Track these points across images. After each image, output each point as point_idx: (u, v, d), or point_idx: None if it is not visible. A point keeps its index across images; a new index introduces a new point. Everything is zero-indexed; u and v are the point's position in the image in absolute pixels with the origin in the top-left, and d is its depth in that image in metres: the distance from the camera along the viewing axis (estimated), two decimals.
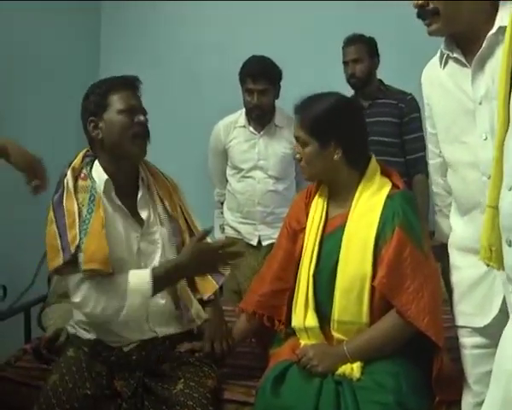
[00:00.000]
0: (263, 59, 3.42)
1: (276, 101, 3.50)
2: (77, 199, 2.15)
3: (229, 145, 3.57)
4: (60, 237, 2.10)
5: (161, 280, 2.15)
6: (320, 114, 2.17)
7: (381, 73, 3.61)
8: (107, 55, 4.69)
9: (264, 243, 3.53)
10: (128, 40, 4.65)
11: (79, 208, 2.13)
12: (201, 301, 2.42)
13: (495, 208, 1.37)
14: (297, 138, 2.22)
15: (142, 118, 2.23)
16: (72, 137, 3.54)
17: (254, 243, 3.56)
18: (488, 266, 1.53)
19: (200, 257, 2.16)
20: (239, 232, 3.60)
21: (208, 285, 2.38)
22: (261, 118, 3.46)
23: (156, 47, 4.61)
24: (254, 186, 3.51)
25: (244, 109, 3.53)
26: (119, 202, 2.24)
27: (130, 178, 2.31)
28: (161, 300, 2.27)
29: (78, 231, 2.09)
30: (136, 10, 4.61)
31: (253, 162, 3.51)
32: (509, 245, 1.31)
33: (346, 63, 3.54)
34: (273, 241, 3.32)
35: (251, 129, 3.52)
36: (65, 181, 2.19)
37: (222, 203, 3.76)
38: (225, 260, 2.21)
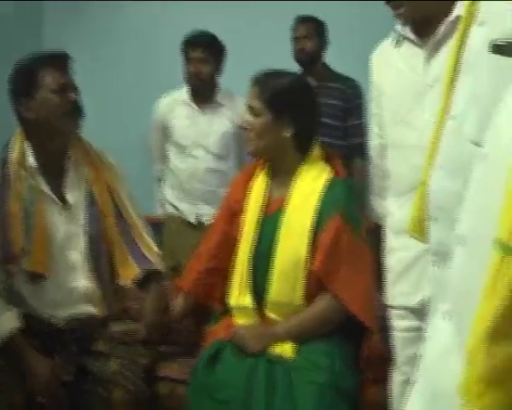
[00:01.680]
0: (204, 31, 3.43)
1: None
2: (21, 194, 2.12)
3: (170, 121, 3.54)
4: None
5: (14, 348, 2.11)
6: (280, 88, 2.18)
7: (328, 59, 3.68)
8: (52, 30, 4.58)
9: (204, 222, 3.50)
10: (74, 13, 4.57)
11: (22, 204, 2.11)
12: (141, 283, 2.39)
13: (426, 185, 1.42)
14: (250, 108, 2.20)
15: (73, 96, 2.20)
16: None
17: (194, 221, 3.54)
18: (415, 238, 1.59)
19: None
20: (179, 210, 3.59)
21: (129, 271, 2.33)
22: (201, 89, 3.44)
23: (106, 22, 4.55)
24: (195, 164, 3.49)
25: (187, 86, 3.50)
26: (45, 187, 2.20)
27: (60, 157, 2.26)
28: (87, 283, 2.25)
29: (22, 231, 2.09)
30: None
31: (195, 139, 3.49)
32: (435, 221, 1.36)
33: (296, 39, 3.58)
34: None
35: (193, 106, 3.50)
36: (7, 171, 2.15)
37: (161, 180, 3.73)
38: None
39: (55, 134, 2.20)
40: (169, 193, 3.64)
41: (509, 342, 0.86)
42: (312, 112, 2.28)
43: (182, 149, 3.52)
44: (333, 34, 3.65)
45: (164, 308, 2.36)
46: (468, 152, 1.16)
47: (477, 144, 1.12)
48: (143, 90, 4.26)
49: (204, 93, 3.46)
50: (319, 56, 3.61)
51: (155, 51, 4.41)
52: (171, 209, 3.63)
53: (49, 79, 2.16)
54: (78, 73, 2.31)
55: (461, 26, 1.37)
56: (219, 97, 3.49)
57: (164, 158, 3.65)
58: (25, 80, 2.17)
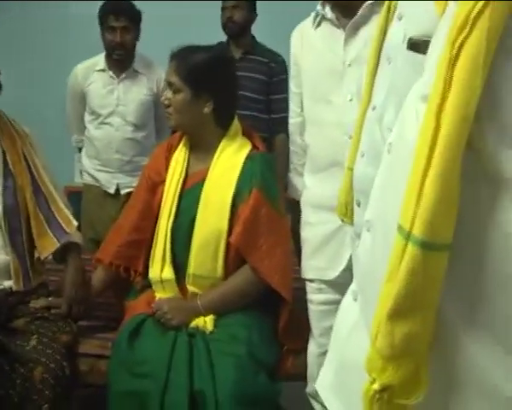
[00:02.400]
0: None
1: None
2: None
3: (87, 89, 3.45)
4: None
5: None
6: (198, 64, 2.17)
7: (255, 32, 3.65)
8: None
9: (123, 192, 3.48)
10: None
11: None
12: (59, 256, 2.37)
13: (352, 170, 1.47)
14: (169, 84, 2.20)
15: None
16: None
17: (112, 191, 3.50)
18: (343, 221, 1.65)
19: None
20: (97, 180, 3.53)
21: (47, 243, 2.30)
22: (122, 58, 3.37)
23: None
24: (112, 133, 3.43)
25: (104, 53, 3.42)
26: None
27: None
28: (5, 256, 2.23)
29: None
30: None
31: (112, 108, 3.42)
32: (358, 205, 1.42)
33: (224, 8, 3.54)
34: (131, 189, 3.28)
35: (110, 73, 3.42)
36: None
37: (80, 149, 3.66)
38: None
39: None
40: (87, 163, 3.56)
41: (406, 323, 0.92)
42: (232, 87, 2.29)
43: (98, 117, 3.45)
44: (263, 8, 3.63)
45: (83, 282, 2.33)
46: (387, 140, 1.21)
47: None
48: (60, 56, 4.15)
49: (123, 61, 3.40)
50: (247, 28, 3.58)
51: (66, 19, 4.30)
52: (89, 179, 3.57)
53: None
54: None
55: (381, 19, 1.41)
56: (136, 65, 3.44)
57: (82, 127, 3.57)
58: None
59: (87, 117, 3.51)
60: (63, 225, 2.31)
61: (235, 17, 3.51)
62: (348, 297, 1.23)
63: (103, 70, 3.44)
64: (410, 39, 1.14)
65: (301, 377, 2.22)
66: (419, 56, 1.13)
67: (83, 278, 2.33)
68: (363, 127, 1.44)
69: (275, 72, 3.48)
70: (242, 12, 3.52)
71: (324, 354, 2.08)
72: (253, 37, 3.62)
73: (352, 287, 1.20)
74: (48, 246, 2.30)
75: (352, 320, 1.18)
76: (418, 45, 1.11)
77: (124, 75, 3.42)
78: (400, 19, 1.27)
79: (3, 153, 2.25)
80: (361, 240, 1.15)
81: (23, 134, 2.34)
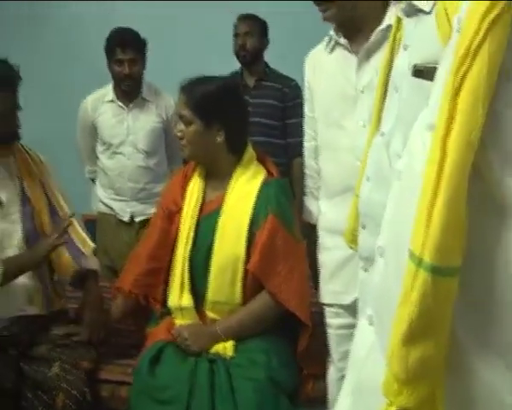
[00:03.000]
0: (129, 29, 3.38)
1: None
2: None
3: (97, 121, 3.48)
4: None
5: (12, 273, 2.18)
6: (207, 95, 2.20)
7: (267, 58, 3.69)
8: None
9: (137, 219, 3.51)
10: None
11: None
12: (78, 283, 2.42)
13: (358, 197, 1.50)
14: (181, 117, 2.24)
15: (14, 125, 2.23)
16: None
17: (126, 219, 3.52)
18: (351, 248, 1.67)
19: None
20: (111, 208, 3.56)
21: (65, 264, 2.35)
22: (131, 89, 3.40)
23: (32, 20, 4.47)
24: (124, 162, 3.46)
25: (112, 84, 3.46)
26: None
27: None
28: (27, 280, 2.27)
29: None
30: None
31: (123, 137, 3.45)
32: (363, 228, 1.45)
33: (237, 35, 3.58)
34: (145, 217, 3.39)
35: (119, 103, 3.45)
36: None
37: (93, 180, 3.70)
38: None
39: None
40: (101, 192, 3.60)
41: (420, 347, 0.94)
42: (242, 115, 2.33)
43: (110, 147, 3.48)
44: (274, 34, 3.67)
45: (102, 308, 2.38)
46: (394, 166, 1.24)
47: None
48: (73, 86, 4.19)
49: (131, 91, 3.43)
50: (260, 55, 3.62)
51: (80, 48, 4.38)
52: (103, 208, 3.60)
53: None
54: None
55: (387, 49, 1.45)
56: (144, 93, 3.47)
57: (94, 158, 3.60)
58: None
59: (99, 148, 3.54)
60: (80, 246, 2.37)
61: (248, 45, 3.55)
62: (363, 322, 1.25)
63: (112, 101, 3.46)
64: (414, 66, 1.17)
65: (322, 401, 2.22)
66: (423, 83, 1.16)
67: (101, 304, 2.38)
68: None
69: (289, 97, 3.51)
70: (254, 39, 3.57)
71: (344, 378, 2.10)
72: (266, 63, 3.66)
73: (368, 312, 1.22)
74: (66, 267, 2.36)
75: (368, 344, 1.19)
76: (422, 72, 1.14)
77: (132, 104, 3.45)
78: (406, 49, 1.30)
79: (21, 180, 2.30)
80: (374, 265, 1.18)
81: (39, 161, 2.41)
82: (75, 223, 2.40)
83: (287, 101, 3.52)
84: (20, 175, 2.30)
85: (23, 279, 2.26)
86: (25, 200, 2.29)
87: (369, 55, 1.98)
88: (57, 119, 4.24)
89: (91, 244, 2.44)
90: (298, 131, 3.32)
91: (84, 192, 3.68)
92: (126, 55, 3.29)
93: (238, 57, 3.61)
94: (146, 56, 3.41)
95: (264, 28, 3.62)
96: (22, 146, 2.36)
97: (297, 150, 3.31)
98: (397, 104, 1.32)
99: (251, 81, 3.59)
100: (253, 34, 3.56)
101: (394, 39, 1.40)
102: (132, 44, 3.31)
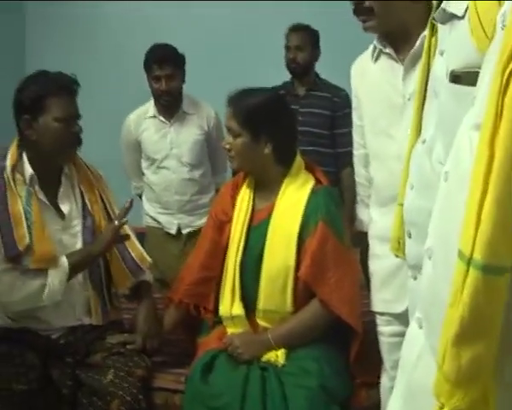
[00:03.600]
0: (166, 45, 3.42)
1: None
2: (20, 196, 2.17)
3: (140, 137, 3.53)
4: (1, 233, 2.14)
5: (76, 266, 2.24)
6: (254, 108, 2.23)
7: (319, 67, 3.70)
8: (34, 43, 4.63)
9: (184, 232, 3.55)
10: (54, 29, 4.62)
11: (22, 205, 2.16)
12: (131, 294, 2.47)
13: (402, 206, 1.50)
14: (228, 129, 2.27)
15: (76, 128, 2.25)
16: None
17: (174, 231, 3.56)
18: (397, 256, 1.66)
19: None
20: (159, 222, 3.61)
21: (123, 279, 2.39)
22: (170, 104, 3.44)
23: (85, 33, 4.58)
24: (170, 176, 3.50)
25: (153, 100, 3.50)
26: (42, 196, 2.26)
27: (55, 172, 2.32)
28: (85, 291, 2.32)
29: (26, 230, 2.14)
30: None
31: (166, 152, 3.49)
32: (409, 237, 1.44)
33: (288, 48, 3.60)
34: (192, 229, 3.46)
35: (161, 118, 3.50)
36: (5, 176, 2.20)
37: (140, 196, 3.74)
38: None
39: (51, 159, 2.26)
40: (148, 206, 3.65)
41: (471, 346, 0.93)
42: (289, 126, 2.34)
43: (154, 162, 3.52)
44: (325, 44, 3.67)
45: (156, 318, 2.41)
46: (437, 172, 1.23)
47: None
48: (123, 100, 4.24)
49: (172, 106, 3.47)
50: (311, 66, 3.63)
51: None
52: (151, 222, 3.65)
53: (55, 106, 2.19)
54: None
55: (423, 55, 1.44)
56: (185, 106, 3.50)
57: (139, 174, 3.65)
58: (31, 101, 2.19)
59: (143, 163, 3.59)
60: (138, 261, 2.41)
61: (299, 58, 3.57)
62: (413, 325, 1.24)
63: (154, 116, 3.51)
64: (451, 72, 1.17)
65: None
66: (462, 88, 1.16)
67: (155, 314, 2.41)
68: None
69: (338, 106, 3.50)
70: (306, 53, 3.57)
71: None
72: (317, 74, 3.66)
73: (417, 314, 1.21)
74: (124, 281, 2.40)
75: (419, 347, 1.19)
76: (460, 77, 1.14)
77: (174, 119, 3.49)
78: (442, 54, 1.29)
79: (82, 194, 2.35)
80: (423, 268, 1.17)
81: (98, 176, 2.46)
82: (132, 238, 2.44)
83: (336, 110, 3.52)
84: (82, 190, 2.35)
85: (81, 291, 2.32)
86: (86, 213, 2.34)
87: (414, 61, 1.94)
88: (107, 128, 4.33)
89: (148, 259, 2.47)
90: (347, 142, 3.33)
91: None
92: (163, 71, 3.34)
93: (289, 69, 3.63)
94: (184, 70, 3.45)
95: (316, 39, 3.63)
96: (82, 161, 2.41)
97: (346, 160, 3.31)
98: (436, 110, 1.31)
99: (301, 91, 3.60)
100: (303, 47, 3.57)
101: (430, 45, 1.40)
102: (169, 60, 3.35)
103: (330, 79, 3.65)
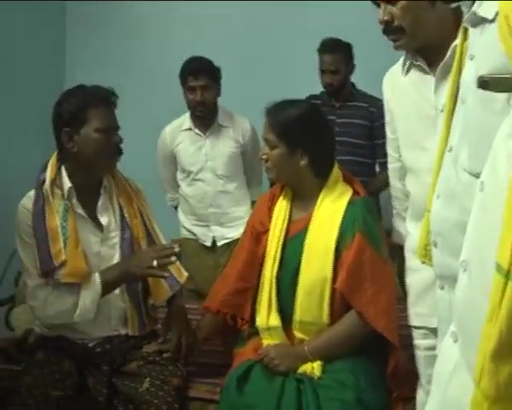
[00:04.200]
0: (201, 58, 3.46)
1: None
2: (57, 211, 2.20)
3: (176, 150, 3.57)
4: (38, 247, 2.17)
5: (110, 284, 2.26)
6: (291, 121, 2.23)
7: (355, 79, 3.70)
8: (73, 54, 4.69)
9: (219, 244, 3.58)
10: (94, 38, 4.67)
11: (59, 220, 2.19)
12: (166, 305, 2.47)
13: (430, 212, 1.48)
14: (266, 140, 2.28)
15: (117, 138, 2.28)
16: (30, 138, 3.55)
17: (209, 243, 3.60)
18: (423, 263, 1.64)
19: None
20: (194, 234, 3.64)
21: (161, 292, 2.39)
22: (205, 115, 3.47)
23: (123, 45, 4.64)
24: (204, 188, 3.54)
25: (189, 113, 3.54)
26: (81, 210, 2.29)
27: (94, 185, 2.34)
28: (122, 303, 2.34)
29: (62, 245, 2.17)
30: (103, 8, 4.62)
31: (201, 164, 3.52)
32: (435, 246, 1.42)
33: (323, 71, 3.59)
34: (227, 240, 3.48)
35: (196, 131, 3.53)
36: (44, 190, 2.23)
37: (176, 208, 3.78)
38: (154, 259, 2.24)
39: (92, 170, 2.29)
40: (183, 218, 3.68)
41: (510, 363, 0.91)
42: (326, 139, 2.33)
43: (189, 175, 3.56)
44: (358, 52, 3.66)
45: (189, 326, 2.42)
46: (464, 181, 1.21)
47: (470, 173, 1.18)
48: (159, 111, 4.28)
49: (207, 118, 3.50)
50: (347, 83, 3.63)
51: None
52: (186, 234, 3.68)
53: (95, 118, 2.22)
54: None
55: (455, 61, 1.42)
56: (220, 119, 3.53)
57: (175, 186, 3.69)
58: (71, 113, 2.21)
59: (179, 175, 3.63)
60: (175, 275, 2.41)
61: (335, 83, 3.56)
62: (448, 339, 1.22)
63: (189, 129, 3.55)
64: (479, 77, 1.14)
65: None
66: (488, 94, 1.13)
67: (188, 321, 2.43)
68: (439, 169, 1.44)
69: (376, 116, 3.48)
70: (341, 75, 3.56)
71: None
72: (353, 84, 3.65)
73: (452, 328, 1.19)
74: (162, 294, 2.40)
75: (453, 362, 1.16)
76: (488, 83, 1.11)
77: (209, 131, 3.52)
78: (472, 59, 1.28)
79: (120, 207, 2.37)
80: (458, 280, 1.15)
81: (137, 190, 2.47)
82: None
83: (374, 120, 3.51)
84: (120, 203, 2.37)
85: (118, 303, 2.34)
86: (124, 226, 2.35)
87: (445, 72, 1.90)
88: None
89: (186, 274, 2.48)
90: (386, 152, 3.30)
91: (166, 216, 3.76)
92: (198, 81, 3.37)
93: (325, 89, 3.63)
94: (220, 83, 3.48)
95: (350, 54, 3.61)
96: (121, 174, 2.44)
97: (385, 169, 3.28)
98: (463, 117, 1.29)
99: (337, 102, 3.59)
100: (339, 70, 3.56)
101: (461, 50, 1.38)
102: (204, 71, 3.39)
103: (365, 87, 3.64)
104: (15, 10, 3.95)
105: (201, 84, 3.38)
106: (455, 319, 1.17)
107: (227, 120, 3.55)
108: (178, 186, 3.66)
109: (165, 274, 2.27)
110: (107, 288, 2.25)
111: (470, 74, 1.26)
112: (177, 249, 2.26)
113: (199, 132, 3.53)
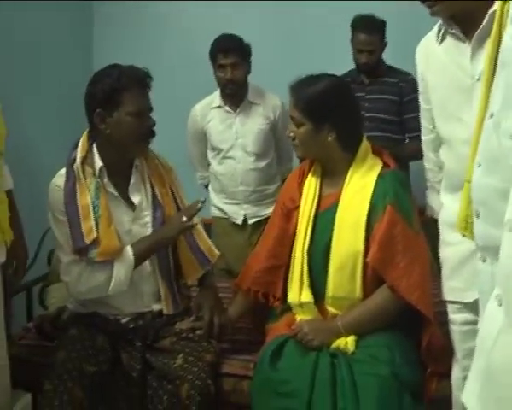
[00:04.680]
0: (231, 35, 3.43)
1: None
2: (89, 189, 2.21)
3: (206, 127, 3.57)
4: (70, 225, 2.19)
5: (142, 254, 2.27)
6: (315, 97, 2.20)
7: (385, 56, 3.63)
8: (101, 46, 4.71)
9: (250, 222, 3.57)
10: (121, 29, 4.68)
11: (90, 198, 2.20)
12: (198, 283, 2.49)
13: (470, 183, 1.45)
14: (292, 118, 2.26)
15: (150, 121, 2.27)
16: (65, 129, 3.59)
17: (240, 221, 3.59)
18: (464, 236, 1.60)
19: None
20: (225, 212, 3.63)
21: (193, 270, 2.41)
22: (235, 93, 3.45)
23: (151, 34, 4.64)
24: (235, 166, 3.52)
25: (219, 90, 3.53)
26: (112, 189, 2.29)
27: (125, 165, 2.34)
28: (154, 280, 2.35)
29: (93, 223, 2.18)
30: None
31: (232, 142, 3.51)
32: (477, 216, 1.39)
33: (358, 51, 3.52)
34: (258, 219, 3.47)
35: (227, 108, 3.52)
36: (75, 168, 2.24)
37: (206, 186, 3.78)
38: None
39: (124, 152, 2.29)
40: (214, 197, 3.68)
41: None
42: (352, 113, 2.30)
43: (220, 152, 3.55)
44: (394, 33, 3.59)
45: (221, 304, 2.44)
46: (505, 147, 1.18)
47: None
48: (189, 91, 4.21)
49: (237, 95, 3.48)
50: (379, 61, 3.57)
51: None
52: (217, 212, 3.68)
53: (129, 101, 2.20)
54: None
55: (495, 24, 1.38)
56: (250, 96, 3.51)
57: (205, 164, 3.69)
58: (104, 95, 2.19)
59: (209, 153, 3.62)
60: (206, 253, 2.42)
61: (371, 62, 3.50)
62: (492, 303, 1.20)
63: (219, 106, 3.54)
64: None
65: (446, 402, 2.12)
66: None
67: (220, 301, 2.43)
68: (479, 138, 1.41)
69: (405, 91, 3.45)
70: (377, 53, 3.51)
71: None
72: (382, 60, 3.60)
73: (495, 292, 1.16)
74: (194, 273, 2.42)
75: (498, 326, 1.14)
76: None
77: (240, 108, 3.50)
78: None
79: (152, 186, 2.37)
80: (502, 241, 1.12)
81: (168, 168, 2.47)
82: (201, 230, 2.45)
83: (404, 96, 3.46)
84: (152, 182, 2.37)
85: (150, 281, 2.35)
86: (156, 205, 2.35)
87: (482, 40, 1.86)
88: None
89: (216, 251, 2.49)
90: (416, 127, 3.24)
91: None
92: (228, 59, 3.36)
93: (358, 67, 3.57)
94: (250, 60, 3.46)
95: (384, 31, 3.53)
96: (153, 152, 2.43)
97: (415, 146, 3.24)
98: (504, 82, 1.26)
99: (366, 79, 3.55)
100: (376, 50, 3.50)
101: (502, 13, 1.34)
102: (234, 49, 3.37)
103: (394, 63, 3.58)
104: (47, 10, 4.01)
105: (231, 62, 3.36)
106: (499, 282, 1.15)
107: (257, 97, 3.53)
108: (209, 164, 3.66)
109: (196, 223, 2.31)
110: (140, 258, 2.27)
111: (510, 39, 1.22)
112: (201, 201, 2.29)
113: (229, 110, 3.52)
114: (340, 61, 3.46)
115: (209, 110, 3.57)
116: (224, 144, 3.53)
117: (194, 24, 4.53)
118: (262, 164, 3.54)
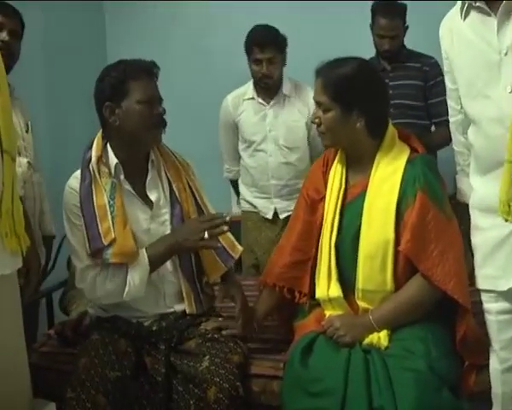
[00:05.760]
0: (268, 28, 3.36)
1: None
2: (105, 189, 2.18)
3: (238, 118, 3.52)
4: (87, 226, 2.15)
5: (158, 259, 2.21)
6: (346, 80, 2.11)
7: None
8: (114, 40, 4.71)
9: (281, 216, 3.51)
10: (134, 21, 4.69)
11: (106, 198, 2.17)
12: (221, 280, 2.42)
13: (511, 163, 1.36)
14: (318, 103, 2.16)
15: (160, 109, 2.23)
16: (79, 125, 3.54)
17: (270, 216, 3.54)
18: (507, 221, 1.51)
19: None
20: (255, 206, 3.59)
21: (215, 267, 2.35)
22: (270, 87, 3.40)
23: (165, 25, 4.63)
24: (266, 159, 3.47)
25: (252, 81, 3.47)
26: (129, 187, 2.25)
27: (141, 160, 2.30)
28: (175, 280, 2.30)
29: (111, 223, 2.14)
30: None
31: (264, 134, 3.46)
32: None
33: (380, 36, 3.42)
34: (289, 213, 3.31)
35: (260, 100, 3.47)
36: (91, 168, 2.21)
37: (232, 181, 3.74)
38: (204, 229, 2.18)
39: (137, 143, 2.24)
40: (244, 191, 3.65)
41: None
42: (381, 98, 2.21)
43: (251, 145, 3.50)
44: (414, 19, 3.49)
45: (246, 302, 2.36)
46: None
47: None
48: (209, 92, 4.21)
49: (271, 88, 3.42)
50: (400, 47, 3.48)
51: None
52: (247, 206, 3.64)
53: (137, 89, 2.18)
54: None
55: None
56: (285, 89, 3.45)
57: (236, 157, 3.65)
58: (112, 87, 2.18)
59: (240, 146, 3.58)
60: (228, 249, 2.36)
61: (393, 48, 3.41)
62: None
63: (252, 98, 3.49)
64: None
65: (485, 395, 2.05)
66: None
67: (245, 298, 2.36)
68: None
69: (429, 75, 3.37)
70: (399, 38, 3.42)
71: (508, 370, 1.90)
72: (404, 45, 3.50)
73: None
74: (216, 270, 2.35)
75: None
76: None
77: (273, 101, 3.45)
78: None
79: (169, 183, 2.33)
80: None
81: (185, 165, 2.42)
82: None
83: (428, 80, 3.38)
84: (170, 178, 2.33)
85: (172, 280, 2.30)
86: (174, 201, 2.31)
87: (509, 12, 1.79)
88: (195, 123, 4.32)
89: (240, 248, 2.44)
90: (441, 111, 3.16)
91: (221, 194, 3.70)
92: (265, 54, 3.30)
93: (380, 54, 3.48)
94: (286, 53, 3.39)
95: (405, 16, 3.43)
96: (169, 149, 2.40)
97: (442, 131, 3.14)
98: None
99: (388, 66, 3.45)
100: (398, 35, 3.40)
101: None
102: (270, 44, 3.31)
103: (417, 46, 3.49)
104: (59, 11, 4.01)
105: (267, 57, 3.31)
106: None
107: (292, 89, 3.47)
108: (239, 158, 3.62)
109: (218, 245, 2.22)
110: (156, 263, 2.21)
111: None
112: (227, 218, 2.18)
113: (262, 102, 3.47)
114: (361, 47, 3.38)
115: (241, 101, 3.52)
116: (255, 137, 3.48)
117: (206, 21, 4.49)
118: (294, 158, 3.47)
